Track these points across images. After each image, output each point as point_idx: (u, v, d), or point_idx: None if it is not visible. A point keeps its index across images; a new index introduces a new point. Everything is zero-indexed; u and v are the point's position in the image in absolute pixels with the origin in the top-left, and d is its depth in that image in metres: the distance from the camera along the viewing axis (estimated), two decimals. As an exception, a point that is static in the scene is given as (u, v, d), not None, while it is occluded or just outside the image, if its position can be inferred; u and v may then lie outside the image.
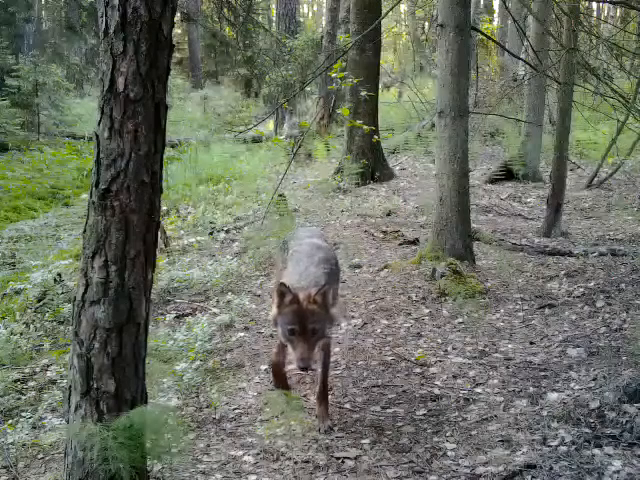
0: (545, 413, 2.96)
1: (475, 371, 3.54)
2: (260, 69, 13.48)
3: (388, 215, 7.24)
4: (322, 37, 13.16)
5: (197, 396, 3.46)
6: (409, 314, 4.46)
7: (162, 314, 4.66)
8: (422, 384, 3.44)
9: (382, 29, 10.66)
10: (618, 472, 2.43)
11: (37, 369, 3.91)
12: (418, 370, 3.62)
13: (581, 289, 4.63)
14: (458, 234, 5.17)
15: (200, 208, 7.56)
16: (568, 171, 7.14)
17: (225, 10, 13.27)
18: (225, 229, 6.81)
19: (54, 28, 18.24)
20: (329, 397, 3.31)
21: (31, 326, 4.43)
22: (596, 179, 8.44)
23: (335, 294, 3.13)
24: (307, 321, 2.73)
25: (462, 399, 3.23)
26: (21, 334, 4.31)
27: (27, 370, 3.89)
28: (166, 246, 5.97)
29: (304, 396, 3.39)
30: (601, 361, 3.42)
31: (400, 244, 6.13)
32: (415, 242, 6.09)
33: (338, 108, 10.44)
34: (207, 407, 3.33)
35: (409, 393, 3.35)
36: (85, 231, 2.30)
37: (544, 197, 7.28)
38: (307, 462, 2.75)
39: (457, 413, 3.09)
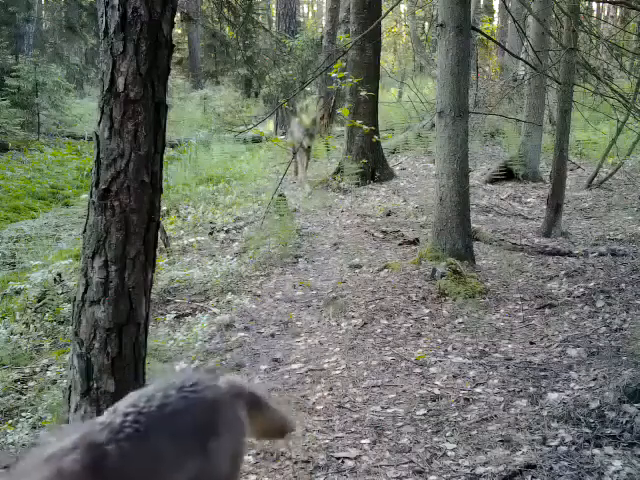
0: (545, 413, 2.96)
1: (475, 371, 3.54)
2: (260, 69, 13.48)
3: (388, 215, 7.24)
4: (322, 37, 13.15)
5: (197, 396, 3.45)
6: (409, 314, 4.46)
7: (162, 314, 4.66)
8: (422, 384, 3.44)
9: (382, 29, 10.66)
10: (618, 472, 2.43)
11: (37, 369, 3.91)
12: (418, 370, 3.62)
13: (581, 289, 4.63)
14: (458, 234, 5.17)
15: (200, 208, 7.56)
16: (568, 171, 7.14)
17: (225, 10, 13.26)
18: (225, 229, 6.81)
19: (54, 28, 18.22)
20: (329, 397, 3.32)
21: (31, 326, 4.44)
22: (596, 179, 8.43)
23: None
24: None
25: (462, 399, 3.22)
26: (21, 334, 4.32)
27: (27, 370, 3.90)
28: (166, 246, 5.97)
29: (304, 396, 3.39)
30: (601, 361, 3.41)
31: (400, 244, 6.13)
32: (415, 242, 6.09)
33: (338, 108, 10.45)
34: (207, 407, 3.33)
35: (409, 393, 3.35)
36: (85, 231, 2.30)
37: (544, 197, 7.28)
38: (307, 462, 2.75)
39: (457, 413, 3.09)
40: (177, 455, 1.83)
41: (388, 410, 3.19)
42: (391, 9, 8.22)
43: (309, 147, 8.41)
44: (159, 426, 1.81)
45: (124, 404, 1.86)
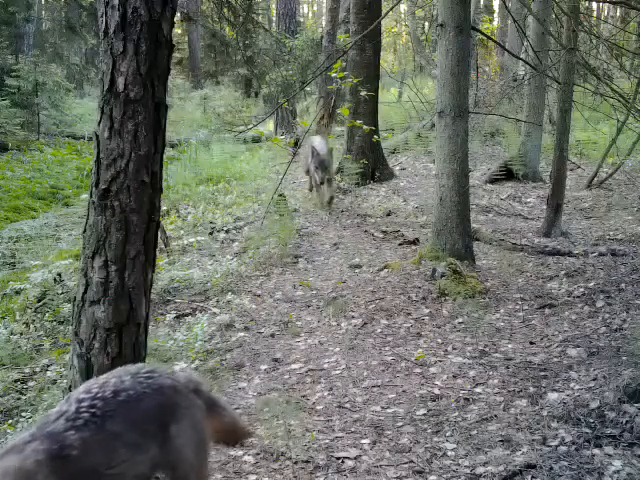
0: (545, 413, 2.96)
1: (475, 371, 3.54)
2: (260, 69, 13.47)
3: (388, 215, 7.24)
4: (322, 37, 13.14)
5: (197, 396, 3.45)
6: (409, 314, 4.46)
7: (162, 314, 4.66)
8: (422, 384, 3.44)
9: (382, 29, 10.66)
10: (618, 472, 2.43)
11: (37, 369, 3.91)
12: (418, 370, 3.62)
13: (581, 289, 4.63)
14: (458, 234, 5.17)
15: (200, 208, 7.56)
16: (568, 171, 7.14)
17: (225, 10, 13.25)
18: (225, 229, 6.81)
19: (54, 28, 18.19)
20: (329, 397, 3.32)
21: (31, 326, 4.44)
22: (596, 179, 8.42)
23: None
24: None
25: (462, 399, 3.23)
26: (21, 334, 4.32)
27: (27, 370, 3.90)
28: (166, 246, 5.97)
29: (304, 396, 3.39)
30: (601, 361, 3.42)
31: (400, 244, 6.13)
32: (415, 242, 6.09)
33: (338, 108, 10.44)
34: (207, 407, 3.33)
35: (409, 393, 3.35)
36: (85, 231, 2.30)
37: (544, 197, 7.28)
38: (307, 462, 2.75)
39: (457, 413, 3.09)
40: (136, 438, 1.85)
41: (388, 410, 3.19)
42: (391, 9, 8.21)
43: (322, 182, 7.83)
44: (115, 410, 1.82)
45: (77, 392, 1.87)
